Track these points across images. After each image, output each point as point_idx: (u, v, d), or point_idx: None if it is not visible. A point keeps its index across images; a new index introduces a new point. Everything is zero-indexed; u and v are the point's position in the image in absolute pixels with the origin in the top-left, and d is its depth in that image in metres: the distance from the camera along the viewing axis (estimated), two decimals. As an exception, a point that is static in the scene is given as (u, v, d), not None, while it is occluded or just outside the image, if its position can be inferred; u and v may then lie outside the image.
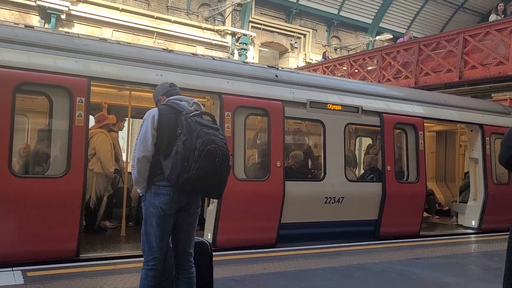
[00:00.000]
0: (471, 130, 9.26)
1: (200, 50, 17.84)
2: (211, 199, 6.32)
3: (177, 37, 17.75)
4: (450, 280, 4.93)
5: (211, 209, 6.31)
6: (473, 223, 8.91)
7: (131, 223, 7.12)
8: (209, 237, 6.25)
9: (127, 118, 7.24)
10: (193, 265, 3.31)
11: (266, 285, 4.49)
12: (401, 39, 14.46)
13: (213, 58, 7.51)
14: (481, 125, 9.08)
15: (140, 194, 3.36)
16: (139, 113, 7.19)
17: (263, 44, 20.40)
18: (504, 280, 1.76)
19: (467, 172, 9.77)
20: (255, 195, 6.47)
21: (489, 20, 11.80)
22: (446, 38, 12.04)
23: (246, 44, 18.86)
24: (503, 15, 11.66)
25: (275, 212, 6.64)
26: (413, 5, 23.70)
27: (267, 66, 7.77)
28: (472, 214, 8.98)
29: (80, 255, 5.30)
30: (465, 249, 7.00)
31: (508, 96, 12.91)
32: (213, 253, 5.56)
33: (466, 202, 9.35)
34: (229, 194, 6.06)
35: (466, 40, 11.27)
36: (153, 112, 3.30)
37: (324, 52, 17.26)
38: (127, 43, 7.51)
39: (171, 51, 7.09)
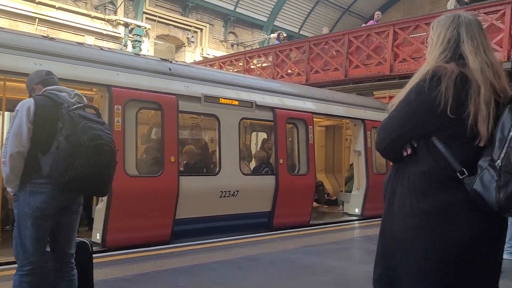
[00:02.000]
0: (355, 125, 10.01)
1: (90, 40, 16.77)
2: (100, 197, 6.00)
3: (63, 25, 16.46)
4: (335, 264, 5.27)
5: (99, 207, 5.99)
6: (357, 211, 9.66)
7: (8, 227, 6.46)
8: (97, 238, 5.92)
9: (1, 112, 6.53)
10: (75, 267, 3.09)
11: (159, 283, 4.38)
12: (371, 22, 14.05)
13: (101, 48, 7.12)
14: (363, 120, 9.86)
15: (12, 194, 3.05)
16: (16, 106, 6.54)
17: (158, 37, 19.84)
18: (375, 260, 1.91)
19: (352, 164, 10.54)
20: (148, 191, 6.27)
21: (447, 8, 11.72)
22: (334, 38, 12.83)
23: (140, 36, 18.16)
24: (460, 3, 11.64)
25: (169, 208, 6.51)
26: (305, 6, 24.85)
27: (160, 59, 7.57)
28: (356, 202, 9.73)
29: None
30: (349, 235, 7.55)
31: (387, 94, 14.15)
32: (103, 254, 5.31)
33: (351, 191, 10.09)
34: (120, 191, 5.85)
35: (350, 41, 12.12)
36: (28, 103, 3.00)
37: (279, 34, 16.68)
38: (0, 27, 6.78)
39: (52, 38, 6.56)
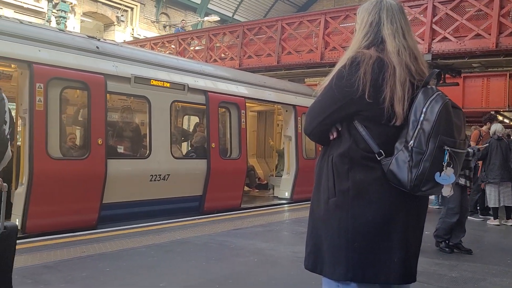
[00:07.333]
0: (286, 111, 10.21)
1: (9, 13, 15.54)
2: (20, 181, 5.65)
3: (-23, -5, 15.11)
4: (264, 246, 5.39)
5: (19, 192, 5.64)
6: (286, 194, 9.92)
7: None
8: (17, 223, 5.58)
9: None
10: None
11: (82, 268, 4.22)
12: None
13: (21, 22, 6.62)
14: (294, 106, 10.08)
15: None
16: None
17: (85, 14, 18.81)
18: (306, 240, 1.97)
19: (283, 149, 10.76)
20: (73, 175, 6.00)
21: None
22: (267, 24, 12.92)
23: (65, 12, 17.09)
24: None
25: (96, 192, 6.28)
26: (240, -10, 24.73)
27: (87, 36, 7.20)
28: (286, 186, 9.99)
29: None
30: (279, 218, 7.74)
31: (318, 81, 14.52)
32: (23, 240, 5.02)
33: (281, 176, 10.33)
34: (42, 175, 5.55)
35: (283, 27, 12.27)
36: None
37: None
38: None
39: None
